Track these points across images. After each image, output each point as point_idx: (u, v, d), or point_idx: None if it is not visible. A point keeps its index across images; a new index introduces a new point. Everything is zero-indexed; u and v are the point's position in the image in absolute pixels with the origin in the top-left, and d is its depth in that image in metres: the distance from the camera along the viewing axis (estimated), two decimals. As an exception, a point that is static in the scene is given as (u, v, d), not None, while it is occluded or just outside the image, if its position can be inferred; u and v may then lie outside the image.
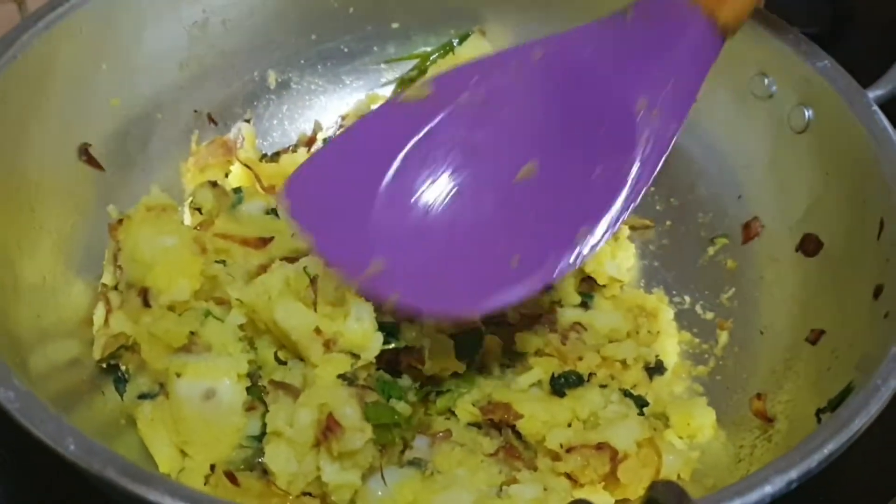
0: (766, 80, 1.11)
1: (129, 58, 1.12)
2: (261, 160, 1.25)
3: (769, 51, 1.07)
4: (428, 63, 1.25)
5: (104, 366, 1.01)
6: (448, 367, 1.04)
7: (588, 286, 1.18)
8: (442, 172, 0.95)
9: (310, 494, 0.93)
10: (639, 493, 0.97)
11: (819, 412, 0.91)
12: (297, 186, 0.94)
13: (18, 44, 0.99)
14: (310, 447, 0.91)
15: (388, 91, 1.29)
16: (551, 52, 0.99)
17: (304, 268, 0.98)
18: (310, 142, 1.27)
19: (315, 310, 0.97)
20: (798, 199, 1.10)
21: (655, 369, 1.12)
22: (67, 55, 1.04)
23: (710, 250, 1.20)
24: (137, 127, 1.15)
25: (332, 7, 1.26)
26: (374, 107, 1.27)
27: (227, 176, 1.22)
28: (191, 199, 1.15)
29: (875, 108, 1.02)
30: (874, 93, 1.04)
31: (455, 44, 1.26)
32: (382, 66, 1.31)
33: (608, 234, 0.93)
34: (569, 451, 0.99)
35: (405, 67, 1.28)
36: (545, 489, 0.96)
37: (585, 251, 0.92)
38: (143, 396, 0.99)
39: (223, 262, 1.04)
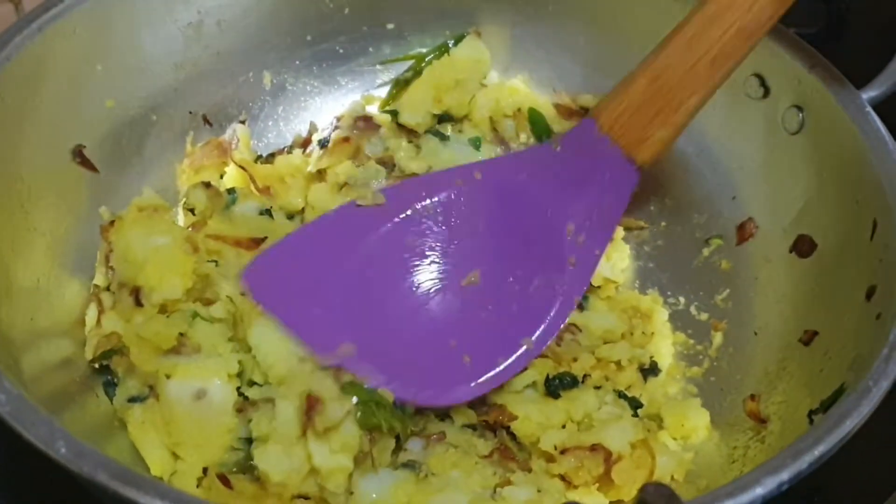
0: (761, 82, 1.11)
1: (123, 59, 1.12)
2: (256, 161, 1.25)
3: (763, 52, 1.07)
4: (423, 64, 1.25)
5: (96, 366, 1.01)
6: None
7: (583, 287, 1.18)
8: (399, 269, 1.05)
9: (304, 497, 0.93)
10: (633, 495, 0.97)
11: (811, 413, 0.91)
12: (258, 272, 1.01)
13: (12, 45, 0.99)
14: (297, 438, 0.92)
15: (383, 92, 1.28)
16: (490, 173, 1.10)
17: None
18: (305, 143, 1.27)
19: None
20: (792, 199, 1.10)
21: (650, 370, 1.12)
22: (62, 56, 1.04)
23: (705, 251, 1.20)
24: (132, 128, 1.15)
25: (327, 8, 1.25)
26: (369, 108, 1.27)
27: (222, 177, 1.22)
28: (184, 200, 1.15)
29: (869, 109, 1.02)
30: (868, 94, 1.04)
31: (450, 45, 1.26)
32: (378, 67, 1.31)
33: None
34: (563, 452, 0.99)
35: (400, 68, 1.28)
36: (539, 491, 0.96)
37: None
38: (133, 400, 0.99)
39: (215, 262, 1.04)
